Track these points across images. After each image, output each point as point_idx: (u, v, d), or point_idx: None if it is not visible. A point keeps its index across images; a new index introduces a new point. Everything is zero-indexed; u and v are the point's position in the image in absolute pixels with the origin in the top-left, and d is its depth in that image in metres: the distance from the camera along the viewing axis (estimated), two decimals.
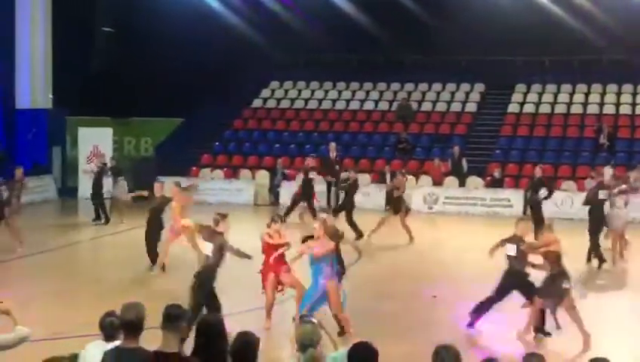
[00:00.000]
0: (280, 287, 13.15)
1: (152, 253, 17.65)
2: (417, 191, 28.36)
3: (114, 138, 32.87)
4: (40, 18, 32.32)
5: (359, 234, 21.56)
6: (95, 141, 30.54)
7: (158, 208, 17.96)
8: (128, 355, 6.30)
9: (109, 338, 7.01)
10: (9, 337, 6.87)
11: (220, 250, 11.85)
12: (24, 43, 31.98)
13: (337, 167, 27.70)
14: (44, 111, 32.25)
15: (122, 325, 6.51)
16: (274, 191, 29.31)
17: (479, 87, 34.63)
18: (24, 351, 8.75)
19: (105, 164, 24.94)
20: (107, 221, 23.73)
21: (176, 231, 17.67)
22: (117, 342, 6.73)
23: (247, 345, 6.15)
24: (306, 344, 6.26)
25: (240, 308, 13.36)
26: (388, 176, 28.60)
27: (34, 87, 32.38)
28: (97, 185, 24.04)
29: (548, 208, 26.78)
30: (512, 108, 33.06)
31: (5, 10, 31.35)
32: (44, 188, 29.44)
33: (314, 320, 6.80)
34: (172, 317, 6.22)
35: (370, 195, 28.36)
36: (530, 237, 13.39)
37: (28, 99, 32.23)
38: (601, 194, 19.13)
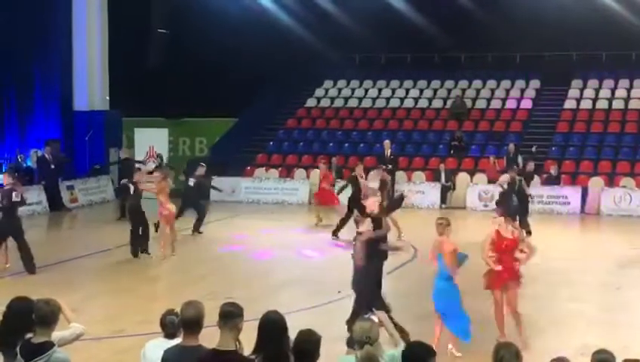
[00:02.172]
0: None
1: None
2: (472, 189, 28.22)
3: (169, 138, 33.24)
4: (96, 21, 32.79)
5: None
6: (151, 142, 30.86)
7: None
8: (188, 353, 6.37)
9: (170, 336, 7.12)
10: (65, 334, 7.01)
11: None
12: (81, 46, 32.46)
13: (390, 165, 27.61)
14: (101, 113, 32.69)
15: (182, 323, 6.58)
16: None
17: (534, 83, 34.28)
18: (88, 348, 8.91)
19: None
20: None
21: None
22: (177, 340, 6.83)
23: (310, 342, 6.19)
24: (363, 341, 6.28)
25: (301, 306, 13.43)
26: (442, 175, 28.52)
27: (91, 89, 32.84)
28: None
29: (606, 205, 26.64)
30: (569, 104, 32.67)
31: (62, 15, 31.89)
32: (101, 188, 29.88)
33: (373, 318, 6.82)
34: (228, 315, 6.27)
35: (425, 193, 28.32)
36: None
37: (85, 101, 32.71)
38: None
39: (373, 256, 11.76)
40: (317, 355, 6.21)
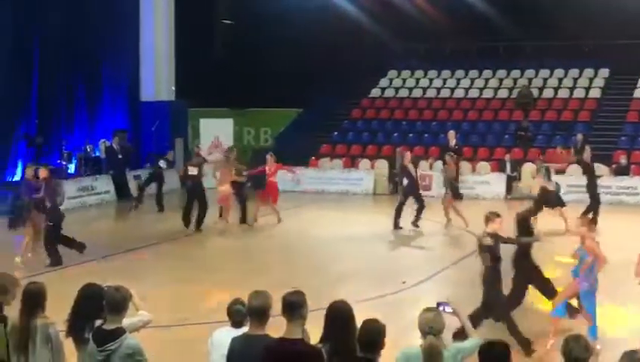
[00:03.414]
0: None
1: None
2: (538, 180, 27.80)
3: (234, 128, 33.44)
4: (163, 13, 33.18)
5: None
6: (216, 132, 31.08)
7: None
8: (255, 342, 6.38)
9: (236, 324, 7.17)
10: (134, 320, 7.12)
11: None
12: (148, 37, 32.90)
13: (455, 155, 27.34)
14: (167, 103, 33.06)
15: (250, 312, 6.61)
16: (393, 180, 29.26)
17: (603, 72, 33.67)
18: (155, 336, 9.02)
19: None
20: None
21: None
22: (244, 329, 6.86)
23: (375, 332, 6.17)
24: (426, 331, 6.27)
25: (367, 296, 13.43)
26: (508, 165, 28.22)
27: (157, 79, 33.26)
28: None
29: None
30: (638, 93, 32.03)
31: (130, 7, 32.33)
32: (167, 178, 30.12)
33: (448, 308, 6.80)
34: (293, 305, 6.28)
35: (490, 184, 28.06)
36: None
37: (152, 92, 33.11)
38: None
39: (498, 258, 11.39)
40: (382, 344, 6.19)
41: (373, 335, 6.17)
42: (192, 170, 21.35)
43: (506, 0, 32.53)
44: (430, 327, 6.26)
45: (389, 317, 12.06)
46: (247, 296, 6.64)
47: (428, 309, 6.45)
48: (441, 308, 6.84)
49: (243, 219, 22.00)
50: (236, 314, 7.19)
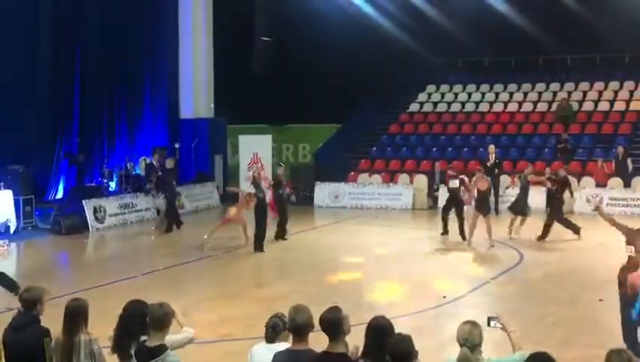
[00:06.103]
0: None
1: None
2: (580, 193, 27.58)
3: (273, 145, 33.57)
4: (201, 31, 33.48)
5: None
6: (255, 148, 31.21)
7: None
8: (299, 356, 6.41)
9: (272, 339, 7.09)
10: (178, 337, 7.17)
11: None
12: (187, 56, 33.17)
13: (496, 170, 27.22)
14: (206, 121, 33.29)
15: (291, 327, 6.62)
16: (432, 194, 29.16)
17: None
18: (197, 352, 9.08)
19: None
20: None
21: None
22: (283, 344, 6.87)
23: (404, 342, 6.11)
24: (461, 343, 6.29)
25: (406, 310, 13.41)
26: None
27: (196, 97, 33.52)
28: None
29: None
30: None
31: (169, 27, 32.69)
32: (207, 195, 30.35)
33: (497, 323, 6.80)
34: (332, 324, 6.30)
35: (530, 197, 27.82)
36: None
37: (191, 109, 33.36)
38: None
39: None
40: (414, 354, 6.14)
41: (404, 346, 6.14)
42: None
43: (545, 12, 32.33)
44: (465, 339, 6.28)
45: (430, 331, 12.10)
46: (288, 311, 6.68)
47: (465, 322, 6.45)
48: (492, 324, 6.85)
49: (280, 235, 22.08)
50: (270, 329, 7.15)
